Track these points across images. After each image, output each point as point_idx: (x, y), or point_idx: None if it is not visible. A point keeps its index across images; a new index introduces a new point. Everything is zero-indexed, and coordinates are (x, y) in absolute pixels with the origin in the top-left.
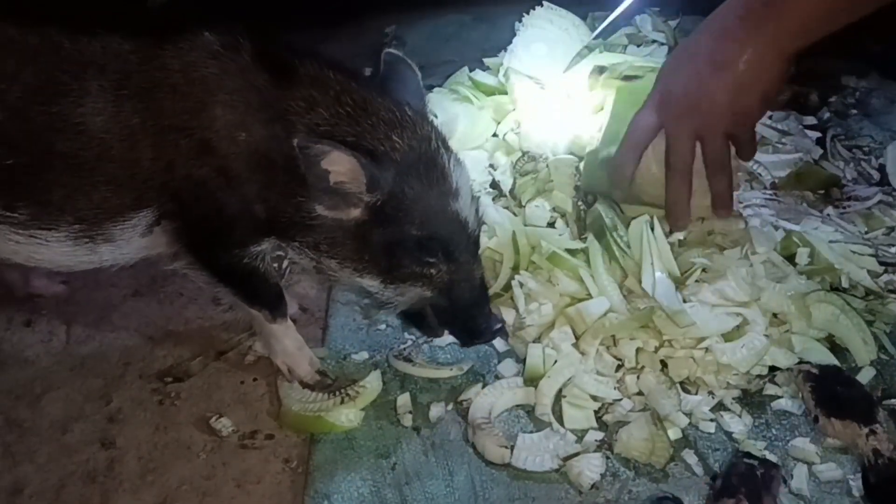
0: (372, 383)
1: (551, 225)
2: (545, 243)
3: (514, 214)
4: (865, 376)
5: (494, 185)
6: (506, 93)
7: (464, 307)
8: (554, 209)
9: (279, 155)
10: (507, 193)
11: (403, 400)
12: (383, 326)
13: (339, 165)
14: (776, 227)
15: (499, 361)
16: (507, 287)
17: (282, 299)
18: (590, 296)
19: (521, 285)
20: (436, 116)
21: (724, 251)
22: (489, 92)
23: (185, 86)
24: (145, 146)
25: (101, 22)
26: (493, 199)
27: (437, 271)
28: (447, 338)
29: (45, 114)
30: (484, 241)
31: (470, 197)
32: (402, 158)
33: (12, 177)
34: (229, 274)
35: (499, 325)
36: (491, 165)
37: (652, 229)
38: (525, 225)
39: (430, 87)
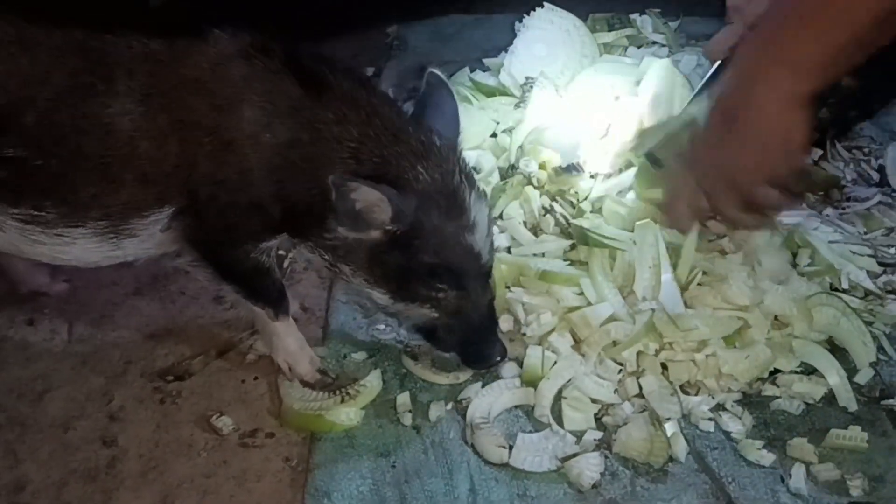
0: (372, 382)
1: (532, 231)
2: (533, 264)
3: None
4: (864, 377)
5: None
6: (506, 94)
7: (469, 332)
8: (524, 222)
9: (301, 160)
10: None
11: (403, 399)
12: (382, 326)
13: (369, 197)
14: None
15: None
16: None
17: (284, 297)
18: (590, 304)
19: (518, 302)
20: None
21: (726, 255)
22: (489, 93)
23: (213, 84)
24: (172, 143)
25: (123, 21)
26: None
27: (445, 296)
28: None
29: (74, 116)
30: None
31: (486, 230)
32: (425, 189)
33: (42, 177)
34: (235, 270)
35: (501, 355)
36: (473, 168)
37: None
38: (510, 248)
39: None
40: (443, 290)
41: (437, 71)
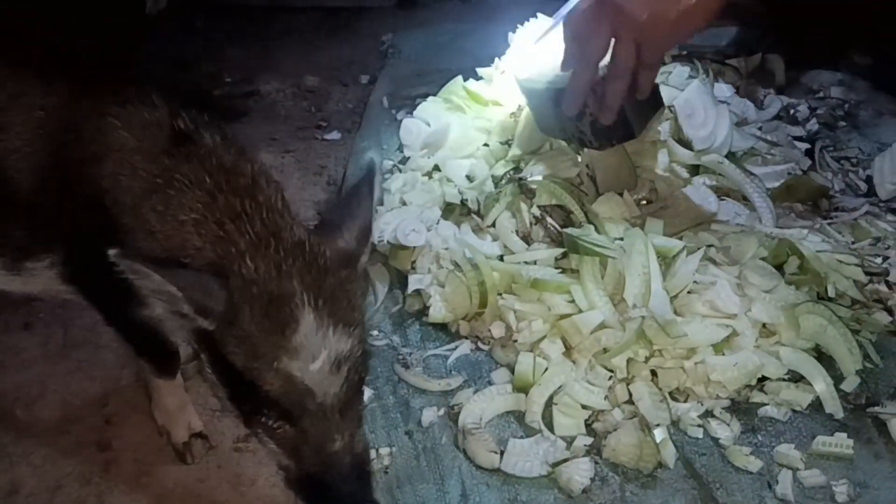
0: None
1: (524, 239)
2: (525, 272)
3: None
4: (850, 385)
5: (463, 203)
6: (499, 103)
7: (317, 481)
8: (516, 231)
9: (159, 226)
10: (474, 214)
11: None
12: (375, 332)
13: (163, 286)
14: (772, 237)
15: (492, 369)
16: (484, 303)
17: (173, 358)
18: (581, 311)
19: (510, 309)
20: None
21: (716, 264)
22: (483, 102)
23: (92, 133)
24: (52, 190)
25: (56, 49)
26: (462, 215)
27: (279, 428)
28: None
29: None
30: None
31: (327, 365)
32: (248, 286)
33: None
34: (119, 320)
35: None
36: (468, 177)
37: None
38: (502, 256)
39: (424, 96)
40: (270, 419)
41: (375, 158)
